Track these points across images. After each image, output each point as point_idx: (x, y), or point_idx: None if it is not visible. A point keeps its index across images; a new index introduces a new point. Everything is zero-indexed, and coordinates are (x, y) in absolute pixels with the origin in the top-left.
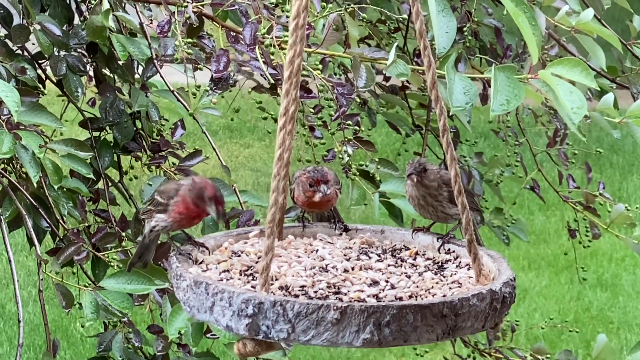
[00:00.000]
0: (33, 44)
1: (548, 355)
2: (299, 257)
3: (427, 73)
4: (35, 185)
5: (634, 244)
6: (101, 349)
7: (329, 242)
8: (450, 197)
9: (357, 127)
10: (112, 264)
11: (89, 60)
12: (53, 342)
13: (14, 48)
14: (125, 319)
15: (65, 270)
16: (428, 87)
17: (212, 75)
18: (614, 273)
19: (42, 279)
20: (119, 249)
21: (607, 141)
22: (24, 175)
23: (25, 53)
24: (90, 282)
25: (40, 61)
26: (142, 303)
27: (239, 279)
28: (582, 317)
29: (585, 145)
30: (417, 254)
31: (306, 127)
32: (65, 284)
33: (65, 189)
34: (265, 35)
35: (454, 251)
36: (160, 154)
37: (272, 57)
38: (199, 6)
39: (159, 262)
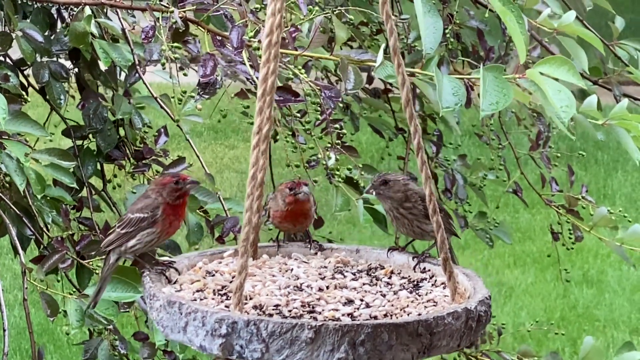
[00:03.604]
0: (17, 52)
1: (535, 357)
2: (273, 276)
3: (402, 90)
4: (21, 193)
5: (617, 246)
6: (87, 357)
7: (304, 262)
8: (426, 212)
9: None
10: (96, 271)
11: (72, 66)
12: (38, 350)
13: None
14: (111, 326)
15: (49, 278)
16: (403, 104)
17: (199, 80)
18: (599, 269)
19: (26, 288)
20: (103, 257)
21: (592, 138)
22: (8, 185)
23: (8, 60)
24: (75, 290)
25: (22, 68)
26: (127, 310)
27: (213, 299)
28: (568, 315)
29: (569, 147)
30: (392, 272)
31: (291, 132)
32: (50, 292)
33: (48, 198)
34: (252, 39)
35: (429, 270)
36: (143, 161)
37: (259, 60)
38: (183, 11)
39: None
